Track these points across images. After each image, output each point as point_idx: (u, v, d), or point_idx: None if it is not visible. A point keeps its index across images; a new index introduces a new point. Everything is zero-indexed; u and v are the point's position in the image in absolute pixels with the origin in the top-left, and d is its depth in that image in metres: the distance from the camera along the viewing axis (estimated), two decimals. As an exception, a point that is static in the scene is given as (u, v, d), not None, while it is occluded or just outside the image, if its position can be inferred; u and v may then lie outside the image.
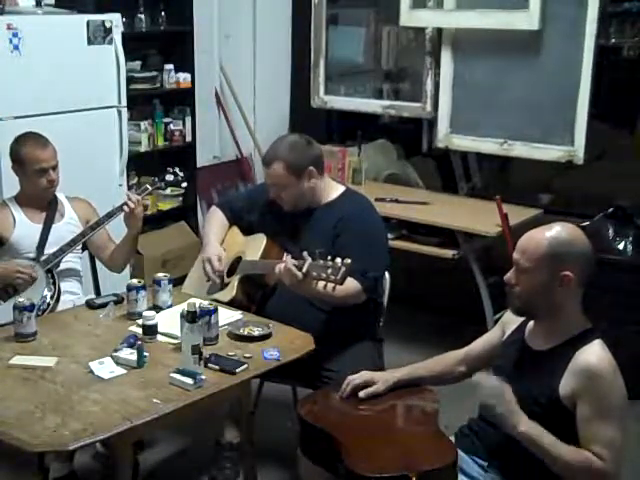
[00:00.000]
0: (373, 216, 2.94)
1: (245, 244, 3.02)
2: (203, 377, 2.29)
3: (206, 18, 5.08)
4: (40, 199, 3.11)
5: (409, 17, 4.47)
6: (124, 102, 4.20)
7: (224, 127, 5.39)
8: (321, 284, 2.49)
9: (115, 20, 4.08)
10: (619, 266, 3.71)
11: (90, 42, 3.99)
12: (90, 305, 2.87)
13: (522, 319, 2.22)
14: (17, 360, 2.42)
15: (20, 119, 3.66)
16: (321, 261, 2.49)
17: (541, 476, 2.04)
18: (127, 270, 3.51)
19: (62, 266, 3.08)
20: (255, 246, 2.93)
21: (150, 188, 3.13)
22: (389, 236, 3.46)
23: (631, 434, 2.03)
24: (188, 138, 4.99)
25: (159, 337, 2.58)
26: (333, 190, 2.96)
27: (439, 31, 4.40)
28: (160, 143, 4.87)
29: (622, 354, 2.09)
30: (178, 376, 2.28)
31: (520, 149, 4.24)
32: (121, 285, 2.92)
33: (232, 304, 2.86)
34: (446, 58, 4.40)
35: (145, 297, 2.76)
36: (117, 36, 4.09)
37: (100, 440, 2.12)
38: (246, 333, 2.61)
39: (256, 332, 2.61)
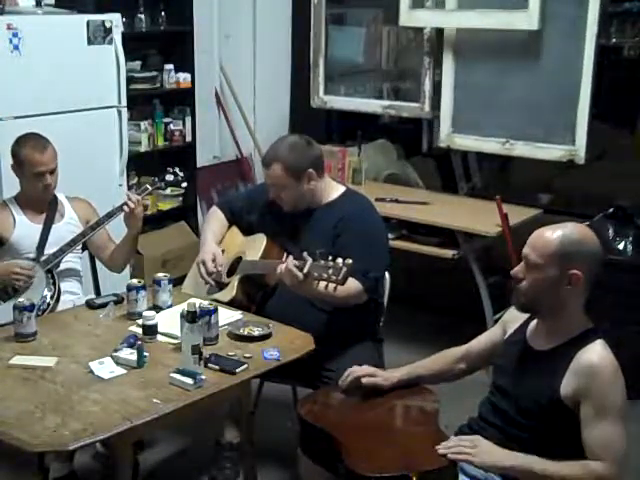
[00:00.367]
0: (373, 216, 2.94)
1: (245, 244, 3.02)
2: (203, 377, 2.29)
3: (206, 18, 5.08)
4: (39, 200, 3.11)
5: (409, 17, 4.46)
6: (124, 102, 4.20)
7: (224, 127, 5.39)
8: (322, 284, 2.49)
9: (115, 20, 4.08)
10: (619, 266, 3.71)
11: (90, 42, 3.99)
12: (90, 305, 2.87)
13: (524, 319, 2.22)
14: (17, 360, 2.41)
15: (20, 119, 3.66)
16: (322, 261, 2.48)
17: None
18: (127, 270, 3.51)
19: (62, 266, 3.08)
20: (255, 246, 2.93)
21: (150, 188, 3.13)
22: (389, 236, 3.46)
23: (631, 434, 2.03)
24: (188, 138, 4.98)
25: (159, 337, 2.58)
26: (333, 190, 2.95)
27: (439, 31, 4.40)
28: (160, 143, 4.87)
29: (623, 354, 2.09)
30: (178, 376, 2.28)
31: (522, 149, 4.24)
32: (121, 285, 2.91)
33: (232, 304, 2.85)
34: (447, 58, 4.39)
35: (145, 297, 2.76)
36: (117, 36, 4.09)
37: (100, 440, 2.12)
38: (246, 333, 2.61)
39: (256, 332, 2.61)
